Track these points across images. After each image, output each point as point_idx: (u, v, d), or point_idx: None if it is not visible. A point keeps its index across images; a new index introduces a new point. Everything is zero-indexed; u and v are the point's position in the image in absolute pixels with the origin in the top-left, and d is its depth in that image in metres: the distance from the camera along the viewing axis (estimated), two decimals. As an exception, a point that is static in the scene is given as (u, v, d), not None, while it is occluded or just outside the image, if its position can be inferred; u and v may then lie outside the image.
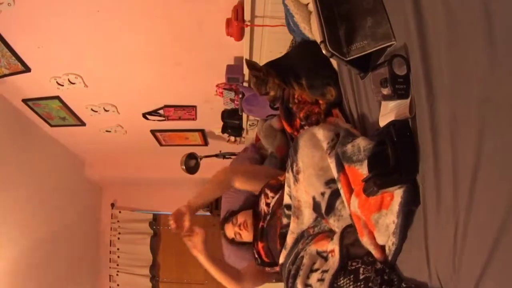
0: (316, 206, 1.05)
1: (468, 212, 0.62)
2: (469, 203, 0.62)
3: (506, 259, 0.56)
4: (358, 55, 0.88)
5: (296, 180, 1.07)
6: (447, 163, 0.67)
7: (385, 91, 0.81)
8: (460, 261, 0.65)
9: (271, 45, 1.96)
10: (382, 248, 0.88)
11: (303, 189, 1.07)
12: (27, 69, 2.45)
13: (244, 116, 2.73)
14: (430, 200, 0.73)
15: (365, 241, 0.90)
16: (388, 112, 0.87)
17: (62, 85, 2.64)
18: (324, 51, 0.85)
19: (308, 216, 1.12)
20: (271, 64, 1.38)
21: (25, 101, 2.83)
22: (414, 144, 0.78)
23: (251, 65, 1.35)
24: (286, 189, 1.14)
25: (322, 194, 1.02)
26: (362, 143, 0.92)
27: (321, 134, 1.05)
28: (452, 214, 0.66)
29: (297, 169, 1.05)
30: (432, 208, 0.72)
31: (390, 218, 0.83)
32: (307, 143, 1.04)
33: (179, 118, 3.18)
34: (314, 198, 1.04)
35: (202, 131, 3.48)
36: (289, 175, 1.10)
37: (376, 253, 0.89)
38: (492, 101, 0.57)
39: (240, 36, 1.99)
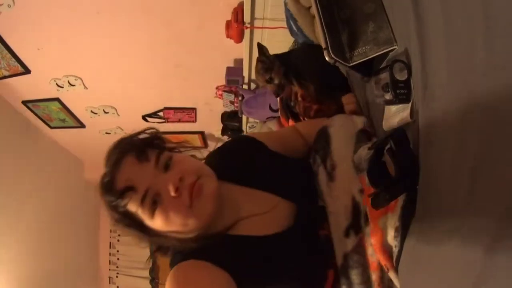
0: (355, 209, 0.82)
1: (466, 216, 0.62)
2: (468, 206, 0.62)
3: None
4: (361, 61, 0.88)
5: (331, 178, 0.84)
6: (446, 166, 0.67)
7: (387, 96, 0.81)
8: None
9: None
10: (388, 252, 0.88)
11: (341, 188, 0.83)
12: (27, 71, 2.45)
13: (244, 118, 2.73)
14: (428, 202, 0.73)
15: (373, 243, 0.88)
16: (391, 116, 0.87)
17: (62, 87, 2.64)
18: (327, 58, 0.85)
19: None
20: (275, 57, 1.39)
21: (24, 102, 2.83)
22: (413, 151, 0.78)
23: (261, 48, 1.36)
24: None
25: (361, 191, 0.80)
26: (362, 153, 0.92)
27: (355, 118, 0.88)
28: (450, 217, 0.66)
29: (332, 164, 0.84)
30: (430, 211, 0.72)
31: (394, 221, 0.83)
32: (340, 130, 0.85)
33: (179, 120, 3.18)
34: (354, 199, 0.82)
35: (202, 133, 3.48)
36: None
37: (382, 259, 0.88)
38: (490, 105, 0.57)
39: (239, 38, 1.99)
